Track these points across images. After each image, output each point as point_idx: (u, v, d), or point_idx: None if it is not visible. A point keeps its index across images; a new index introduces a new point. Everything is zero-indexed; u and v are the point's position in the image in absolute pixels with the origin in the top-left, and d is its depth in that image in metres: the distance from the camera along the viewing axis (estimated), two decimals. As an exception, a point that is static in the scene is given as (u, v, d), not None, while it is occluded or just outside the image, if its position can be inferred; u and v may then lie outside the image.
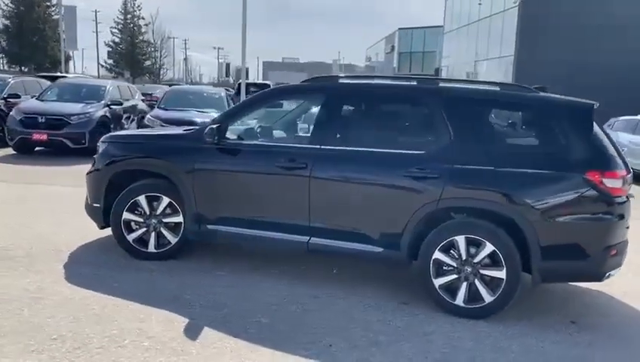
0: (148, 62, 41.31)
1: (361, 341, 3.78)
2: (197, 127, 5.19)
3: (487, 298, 4.21)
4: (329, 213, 4.61)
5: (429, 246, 4.32)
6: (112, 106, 12.70)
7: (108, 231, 5.42)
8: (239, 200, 4.89)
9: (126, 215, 5.11)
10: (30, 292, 4.25)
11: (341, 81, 4.86)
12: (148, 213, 5.10)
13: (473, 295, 4.25)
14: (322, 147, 4.61)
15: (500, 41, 24.86)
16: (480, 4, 27.02)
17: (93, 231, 5.57)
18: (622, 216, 4.09)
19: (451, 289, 4.30)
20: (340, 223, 4.60)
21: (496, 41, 25.34)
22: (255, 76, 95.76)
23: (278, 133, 5.36)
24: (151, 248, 5.14)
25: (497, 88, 4.51)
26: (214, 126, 4.80)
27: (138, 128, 12.01)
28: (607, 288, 4.93)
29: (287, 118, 5.43)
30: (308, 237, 4.68)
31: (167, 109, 12.47)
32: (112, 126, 12.70)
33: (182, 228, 5.10)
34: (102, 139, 5.56)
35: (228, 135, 4.95)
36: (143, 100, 15.99)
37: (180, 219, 5.08)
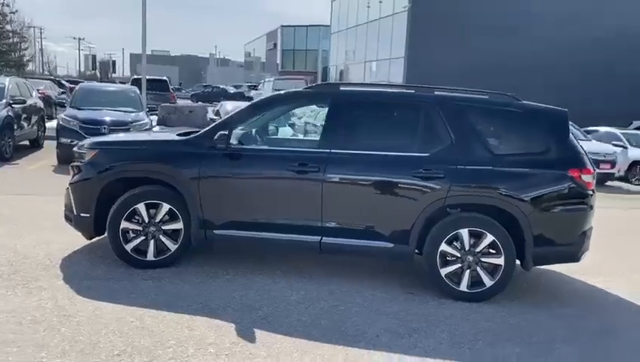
0: (14, 54, 37.49)
1: (400, 329, 4.14)
2: (197, 132, 5.16)
3: (488, 282, 4.77)
4: (341, 213, 4.89)
5: (436, 240, 4.78)
6: (14, 105, 11.67)
7: (83, 241, 5.36)
8: (249, 204, 4.98)
9: (124, 224, 4.96)
10: (52, 311, 4.02)
11: (343, 88, 5.15)
12: (147, 220, 5.00)
13: (475, 281, 4.79)
14: (332, 151, 4.86)
15: (390, 42, 26.38)
16: (369, 6, 28.40)
17: (65, 243, 5.45)
18: (592, 206, 4.87)
19: (456, 277, 4.81)
20: (351, 222, 4.90)
21: (386, 43, 26.84)
22: (122, 70, 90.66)
23: (282, 138, 5.51)
24: (150, 256, 5.04)
25: (486, 96, 5.10)
26: (225, 132, 4.85)
27: (58, 130, 11.14)
28: (566, 268, 5.75)
29: (290, 122, 5.59)
30: (320, 237, 4.92)
31: (81, 108, 11.71)
32: (15, 127, 11.70)
33: (181, 235, 5.06)
34: (87, 145, 5.30)
35: (232, 140, 5.01)
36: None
37: (179, 225, 5.04)
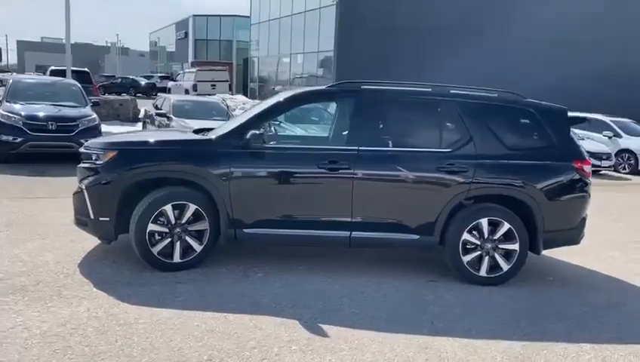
0: None
1: (448, 315, 4.41)
2: (223, 133, 5.09)
3: (505, 267, 5.16)
4: (370, 208, 5.07)
5: (459, 230, 5.09)
6: None
7: (82, 246, 5.31)
8: (280, 202, 5.01)
9: (151, 226, 4.82)
10: (108, 320, 3.87)
11: (364, 87, 5.30)
12: (173, 222, 4.89)
13: (493, 266, 5.17)
14: (361, 148, 5.02)
15: (317, 35, 26.65)
16: (293, -1, 28.56)
17: (66, 248, 5.36)
18: (590, 194, 5.42)
19: (476, 263, 5.16)
20: (379, 216, 5.10)
21: (313, 36, 27.08)
22: (7, 58, 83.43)
23: (307, 135, 5.55)
24: (176, 258, 4.94)
25: (496, 95, 5.47)
26: (258, 131, 4.84)
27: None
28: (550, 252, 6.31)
29: (315, 120, 5.65)
30: (349, 232, 5.07)
31: (20, 103, 10.85)
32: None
33: (207, 235, 5.00)
34: (101, 145, 5.05)
35: (258, 138, 4.99)
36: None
37: (205, 226, 4.97)
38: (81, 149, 5.28)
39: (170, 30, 62.44)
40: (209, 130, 6.05)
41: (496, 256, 5.16)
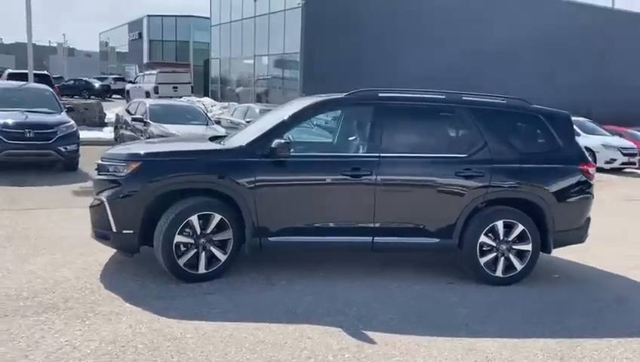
0: None
1: (477, 316, 4.57)
2: (246, 142, 5.07)
3: (519, 267, 5.38)
4: (392, 213, 5.18)
5: (476, 232, 5.27)
6: None
7: (95, 259, 5.25)
8: (305, 210, 5.06)
9: (177, 238, 4.78)
10: (153, 335, 3.82)
11: (381, 95, 5.40)
12: (199, 232, 4.86)
13: (508, 266, 5.38)
14: (382, 155, 5.13)
15: (282, 37, 26.57)
16: (255, 0, 28.30)
17: (79, 262, 5.26)
18: (593, 195, 5.70)
19: (492, 264, 5.35)
20: (400, 221, 5.22)
21: (278, 38, 26.98)
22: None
23: (327, 143, 5.60)
24: (201, 269, 4.91)
25: (505, 101, 5.68)
26: (283, 141, 4.87)
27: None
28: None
29: (333, 128, 5.70)
30: (371, 238, 5.17)
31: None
32: None
33: (230, 245, 4.99)
34: (123, 156, 4.95)
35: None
36: None
37: (229, 235, 4.96)
38: (98, 161, 5.16)
39: (122, 30, 60.83)
40: (222, 137, 6.06)
41: (511, 256, 5.37)
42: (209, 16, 35.64)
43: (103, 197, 4.88)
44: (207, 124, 13.09)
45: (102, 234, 4.96)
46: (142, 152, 5.08)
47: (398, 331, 4.15)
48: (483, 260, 5.32)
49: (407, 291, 5.06)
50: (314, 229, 5.09)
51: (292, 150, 5.02)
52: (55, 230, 6.47)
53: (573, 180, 5.50)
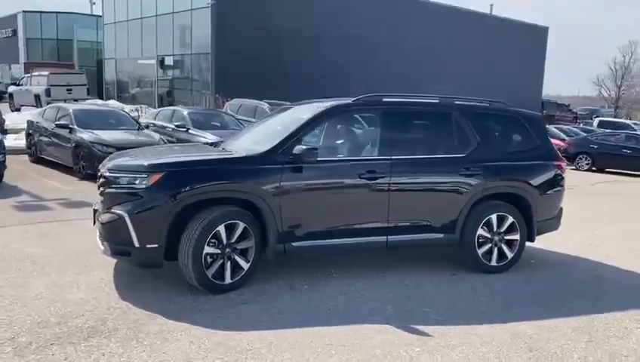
0: None
1: (498, 303, 4.97)
2: (266, 149, 5.04)
3: (509, 255, 5.90)
4: (404, 212, 5.44)
5: (474, 226, 5.70)
6: None
7: (103, 275, 5.11)
8: (327, 214, 5.16)
9: (206, 249, 4.67)
10: (223, 349, 3.75)
11: (386, 100, 5.63)
12: (225, 242, 4.79)
13: (500, 255, 5.87)
14: (393, 157, 5.37)
15: (190, 37, 25.79)
16: (157, -1, 27.26)
17: (89, 280, 5.01)
18: (564, 188, 6.38)
19: (488, 254, 5.81)
20: (411, 219, 5.50)
21: (185, 38, 26.14)
22: None
23: (341, 148, 5.68)
24: (227, 279, 4.85)
25: (487, 104, 6.16)
26: (308, 147, 4.93)
27: None
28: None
29: (341, 132, 5.78)
30: (386, 237, 5.40)
31: None
32: None
33: (252, 253, 4.97)
34: (146, 167, 4.71)
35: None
36: None
37: (251, 243, 4.94)
38: (107, 173, 4.86)
39: (-9, 27, 55.27)
40: (218, 143, 5.96)
41: (503, 246, 5.87)
42: (94, 13, 33.65)
43: (121, 211, 4.62)
44: (138, 129, 12.51)
45: (121, 250, 4.70)
46: (162, 163, 4.87)
47: (441, 322, 4.42)
48: (480, 251, 5.77)
49: (423, 285, 5.35)
50: (335, 232, 5.21)
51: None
52: (26, 249, 5.96)
53: (550, 175, 6.12)
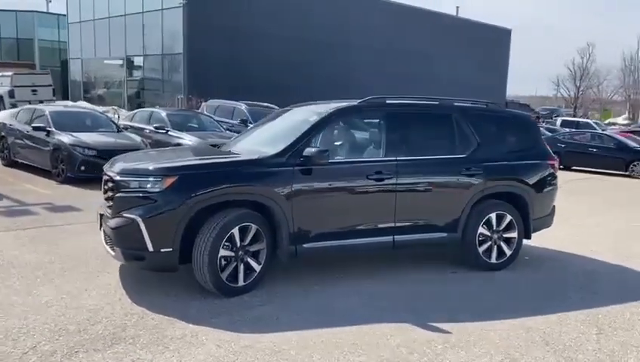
0: None
1: (507, 299, 5.13)
2: (277, 151, 5.06)
3: (508, 252, 6.07)
4: (409, 212, 5.53)
5: (475, 225, 5.84)
6: None
7: (109, 280, 5.04)
8: (337, 215, 5.21)
9: (221, 252, 4.67)
10: (251, 351, 3.76)
11: (389, 101, 5.72)
12: (238, 245, 4.79)
13: (499, 253, 6.04)
14: (399, 158, 5.47)
15: (161, 37, 25.35)
16: (125, -2, 26.70)
17: (96, 286, 4.93)
18: (557, 186, 6.60)
19: (487, 252, 5.97)
20: (417, 219, 5.61)
21: (156, 38, 25.68)
22: None
23: (349, 149, 5.72)
24: (240, 282, 4.85)
25: (484, 105, 6.32)
26: (320, 149, 4.97)
27: None
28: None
29: (346, 134, 5.83)
30: (392, 237, 5.49)
31: None
32: None
33: (264, 255, 4.98)
34: (160, 170, 4.66)
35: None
36: None
37: (262, 245, 4.96)
38: (117, 177, 4.79)
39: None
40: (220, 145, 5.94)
41: (502, 244, 6.04)
42: (52, 11, 32.72)
43: (134, 215, 4.57)
44: (117, 131, 12.29)
45: (134, 255, 4.64)
46: (176, 165, 4.82)
47: (456, 319, 4.52)
48: (481, 249, 5.92)
49: (428, 283, 5.47)
50: (344, 233, 5.27)
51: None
52: (23, 256, 5.81)
53: (545, 173, 6.32)
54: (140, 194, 4.63)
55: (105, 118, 13.16)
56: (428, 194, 5.65)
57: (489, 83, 42.60)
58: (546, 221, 6.46)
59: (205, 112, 17.09)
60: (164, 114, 14.19)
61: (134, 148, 11.13)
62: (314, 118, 5.37)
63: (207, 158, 5.28)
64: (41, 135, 11.40)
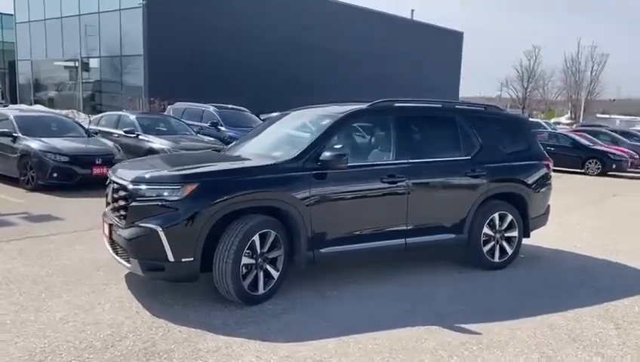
0: None
1: (519, 297, 5.24)
2: (293, 156, 4.99)
3: (509, 251, 6.22)
4: (420, 214, 5.58)
5: (480, 225, 5.95)
6: None
7: (121, 293, 4.88)
8: (354, 218, 5.19)
9: (244, 260, 4.57)
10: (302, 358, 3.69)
11: (397, 105, 5.75)
12: (258, 252, 4.71)
13: (502, 252, 6.18)
14: (409, 161, 5.50)
15: (119, 38, 24.53)
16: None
17: (108, 300, 4.73)
18: (552, 186, 6.80)
19: (490, 251, 6.09)
20: (426, 221, 5.66)
21: (113, 39, 24.84)
22: None
23: (361, 153, 5.68)
24: (260, 290, 4.77)
25: (482, 108, 6.45)
26: (334, 153, 4.94)
27: None
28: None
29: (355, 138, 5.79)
30: (404, 239, 5.52)
31: None
32: None
33: (281, 262, 4.92)
34: (175, 178, 4.51)
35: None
36: None
37: (280, 252, 4.89)
38: (131, 186, 4.60)
39: None
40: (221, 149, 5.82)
41: (504, 243, 6.18)
42: (8, 12, 31.30)
43: (153, 224, 4.41)
44: (88, 136, 11.85)
45: (154, 266, 4.47)
46: (196, 172, 4.68)
47: (481, 320, 4.57)
48: (485, 249, 6.03)
49: (440, 285, 5.52)
50: (360, 237, 5.25)
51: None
52: (14, 269, 5.52)
53: (541, 173, 6.51)
54: (159, 203, 4.47)
55: (72, 122, 12.66)
56: (437, 197, 5.71)
57: (444, 84, 43.65)
58: (542, 220, 6.66)
59: (171, 115, 16.73)
60: (133, 117, 13.79)
61: (108, 154, 10.84)
62: (327, 122, 5.33)
63: (224, 164, 5.15)
64: (6, 141, 10.87)
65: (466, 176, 5.84)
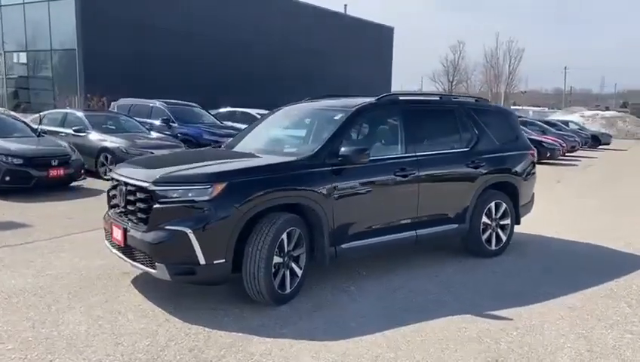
0: None
1: (523, 282, 5.45)
2: (312, 152, 4.91)
3: (504, 239, 6.46)
4: (429, 206, 5.67)
5: (479, 214, 6.14)
6: None
7: (136, 299, 4.67)
8: (371, 213, 5.19)
9: (275, 259, 4.47)
10: (353, 359, 3.65)
11: (401, 98, 5.80)
12: (286, 250, 4.62)
13: (497, 239, 6.41)
14: (418, 154, 5.58)
15: (48, 32, 22.96)
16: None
17: (128, 308, 4.52)
18: (536, 175, 7.11)
19: (487, 239, 6.31)
20: (434, 213, 5.76)
21: (42, 32, 23.20)
22: None
23: (374, 147, 5.63)
24: (287, 288, 4.68)
25: (474, 100, 6.63)
26: (354, 148, 4.91)
27: None
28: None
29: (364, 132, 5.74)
30: (415, 231, 5.60)
31: None
32: None
33: (304, 259, 4.85)
34: (202, 177, 4.32)
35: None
36: None
37: (303, 250, 4.82)
38: (152, 187, 4.35)
39: None
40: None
41: (499, 231, 6.41)
42: None
43: (182, 226, 4.20)
44: (38, 136, 11.09)
45: (183, 270, 4.27)
46: (223, 171, 4.50)
47: (504, 306, 4.70)
48: (484, 237, 6.24)
49: (451, 275, 5.63)
50: (377, 230, 5.27)
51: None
52: (7, 281, 5.11)
53: (528, 163, 6.80)
54: (186, 204, 4.26)
55: (18, 122, 11.79)
56: (444, 189, 5.84)
57: (376, 79, 44.38)
58: (528, 207, 6.96)
59: (116, 112, 15.97)
60: (81, 114, 13.09)
61: (64, 155, 10.24)
62: (340, 116, 5.29)
63: (248, 162, 4.98)
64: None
65: (468, 167, 6.00)
